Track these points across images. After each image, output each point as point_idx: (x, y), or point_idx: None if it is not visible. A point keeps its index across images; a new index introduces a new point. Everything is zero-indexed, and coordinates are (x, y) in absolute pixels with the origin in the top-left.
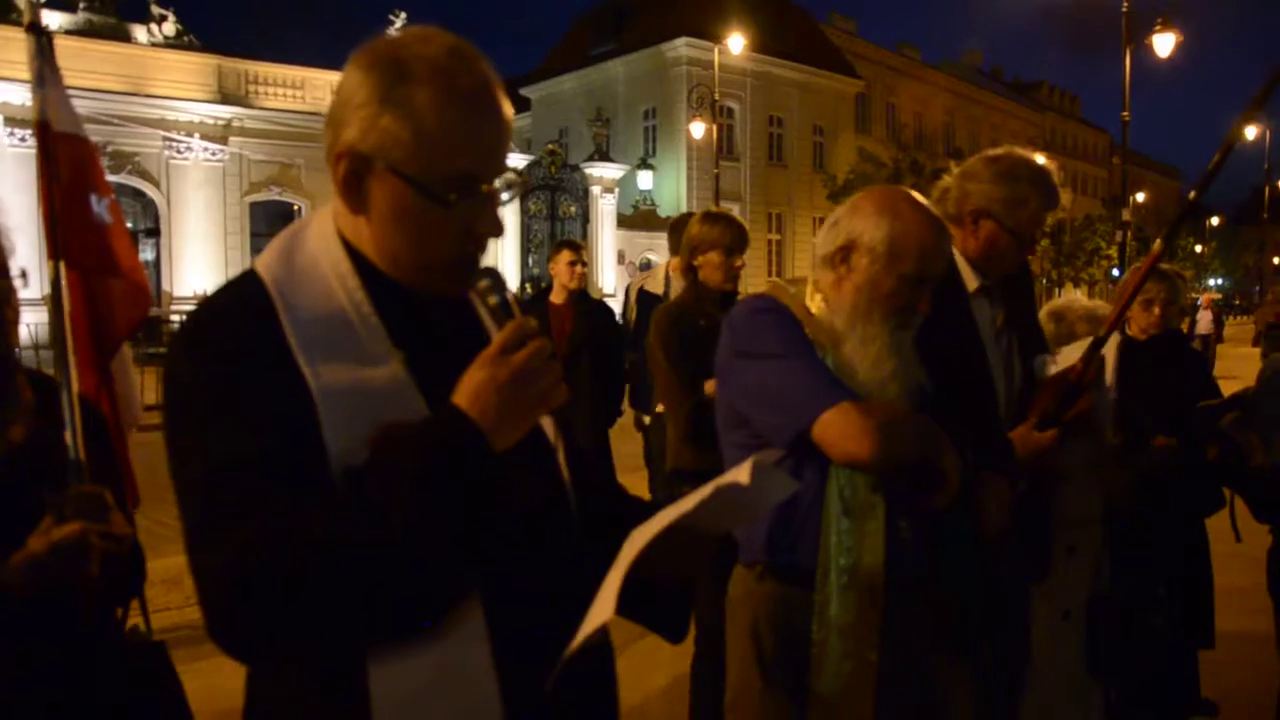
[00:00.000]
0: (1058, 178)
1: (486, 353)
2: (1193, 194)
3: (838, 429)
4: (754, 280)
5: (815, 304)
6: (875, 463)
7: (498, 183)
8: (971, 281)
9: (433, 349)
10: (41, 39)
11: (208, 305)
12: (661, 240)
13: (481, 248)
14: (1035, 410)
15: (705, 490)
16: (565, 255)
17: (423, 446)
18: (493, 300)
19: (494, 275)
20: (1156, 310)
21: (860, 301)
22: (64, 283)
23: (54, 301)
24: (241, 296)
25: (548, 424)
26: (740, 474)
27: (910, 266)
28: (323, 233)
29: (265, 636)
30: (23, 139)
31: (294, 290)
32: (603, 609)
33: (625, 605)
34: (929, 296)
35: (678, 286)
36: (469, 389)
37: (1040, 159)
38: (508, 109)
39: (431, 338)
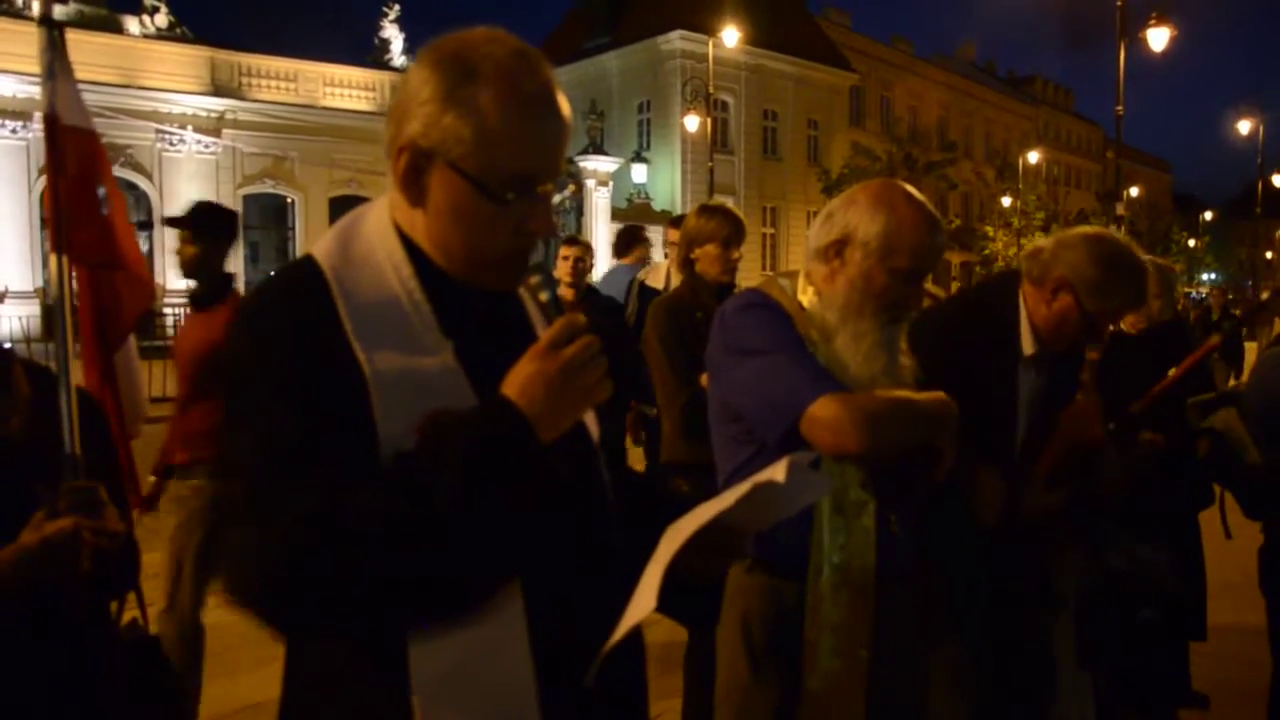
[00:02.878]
0: (1154, 282)
1: (536, 346)
2: None
3: (824, 422)
4: (748, 273)
5: (807, 297)
6: (863, 454)
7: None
8: (1029, 346)
9: (481, 341)
10: (53, 32)
11: (267, 287)
12: (656, 234)
13: (533, 245)
14: (1045, 463)
15: (743, 487)
16: (561, 250)
17: (471, 434)
18: (544, 296)
19: (545, 272)
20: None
21: (853, 296)
22: (65, 277)
23: (59, 296)
24: (300, 280)
25: (590, 418)
26: (776, 471)
27: (904, 262)
28: (379, 223)
29: (309, 612)
30: (14, 130)
31: (350, 277)
32: (644, 603)
33: (659, 598)
34: (921, 291)
35: (677, 282)
36: (518, 381)
37: (1144, 256)
38: (567, 112)
39: (479, 330)
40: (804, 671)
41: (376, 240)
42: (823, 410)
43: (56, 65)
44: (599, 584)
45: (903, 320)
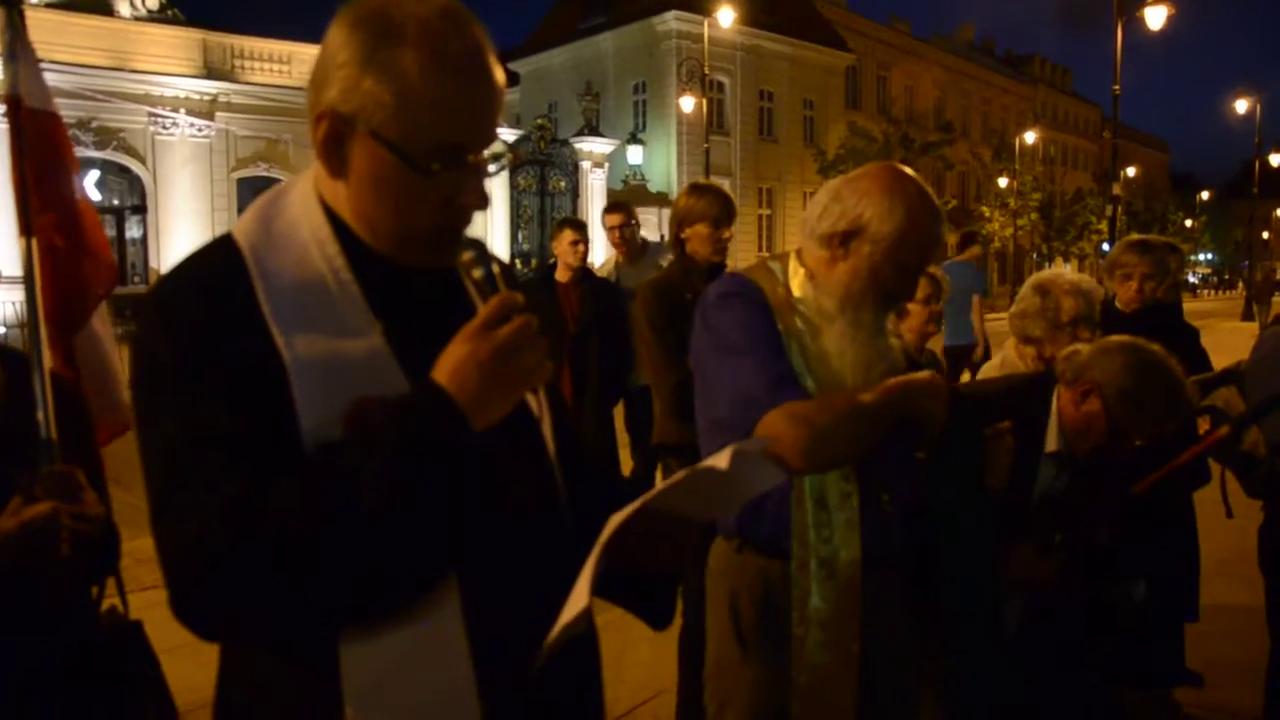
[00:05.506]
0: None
1: (468, 327)
2: None
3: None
4: (744, 255)
5: (798, 280)
6: (805, 472)
7: (485, 154)
8: (1053, 442)
9: (415, 322)
10: (13, 12)
11: (180, 270)
12: (652, 216)
13: (465, 220)
14: (1036, 531)
15: (680, 475)
16: (568, 235)
17: (398, 422)
18: (477, 274)
19: (479, 248)
20: (1134, 285)
21: (855, 286)
22: (35, 260)
23: (28, 280)
24: (215, 262)
25: (534, 402)
26: (720, 460)
27: (913, 258)
28: (304, 197)
29: (228, 614)
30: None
31: (271, 256)
32: (578, 597)
33: (611, 589)
34: (917, 283)
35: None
36: (449, 364)
37: (1179, 370)
38: (500, 77)
39: (414, 310)
40: (792, 666)
41: (300, 215)
42: (768, 428)
43: (18, 47)
44: (543, 579)
45: (896, 309)
